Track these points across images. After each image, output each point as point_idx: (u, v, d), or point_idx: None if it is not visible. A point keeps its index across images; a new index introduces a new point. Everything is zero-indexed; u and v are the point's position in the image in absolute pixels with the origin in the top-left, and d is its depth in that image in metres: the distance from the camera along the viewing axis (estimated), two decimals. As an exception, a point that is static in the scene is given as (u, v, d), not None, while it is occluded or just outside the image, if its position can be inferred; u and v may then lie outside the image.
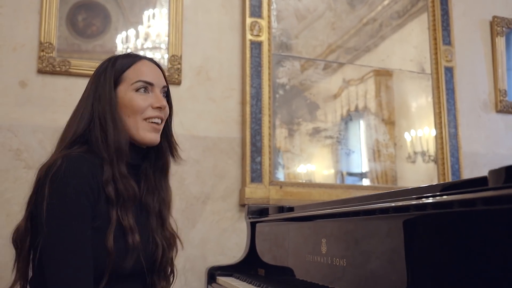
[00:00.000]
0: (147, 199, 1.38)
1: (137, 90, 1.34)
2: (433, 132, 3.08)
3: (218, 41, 2.79)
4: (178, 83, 2.65)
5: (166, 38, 2.69)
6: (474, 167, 3.10)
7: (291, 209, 1.86)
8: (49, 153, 1.33)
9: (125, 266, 1.23)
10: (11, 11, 2.49)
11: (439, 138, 3.06)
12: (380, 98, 3.05)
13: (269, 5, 2.84)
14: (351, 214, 1.32)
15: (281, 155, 2.81)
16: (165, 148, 1.42)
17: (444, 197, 0.96)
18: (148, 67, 1.37)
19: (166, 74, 1.46)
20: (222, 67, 2.77)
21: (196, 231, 2.58)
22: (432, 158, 3.06)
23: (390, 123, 3.06)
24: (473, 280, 0.89)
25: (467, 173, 3.06)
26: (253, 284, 1.70)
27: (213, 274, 2.07)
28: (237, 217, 2.64)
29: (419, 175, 3.05)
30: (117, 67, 1.35)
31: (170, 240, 1.41)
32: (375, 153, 2.99)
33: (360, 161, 2.98)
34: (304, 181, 2.81)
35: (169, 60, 2.65)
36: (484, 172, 0.87)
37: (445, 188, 1.01)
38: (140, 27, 2.69)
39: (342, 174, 2.95)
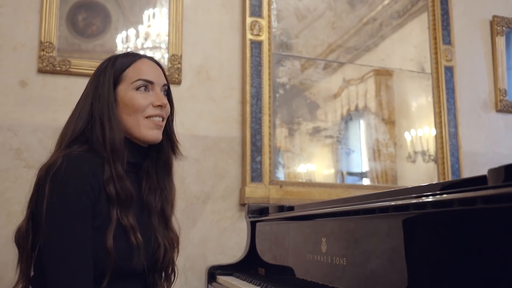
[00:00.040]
0: (149, 198, 1.38)
1: (137, 88, 1.34)
2: (433, 131, 3.09)
3: (218, 41, 2.79)
4: (178, 82, 2.65)
5: (166, 38, 2.69)
6: (474, 166, 3.10)
7: (291, 208, 1.86)
8: (49, 153, 1.33)
9: (125, 266, 1.23)
10: (11, 11, 2.49)
11: (439, 137, 3.06)
12: (380, 97, 3.05)
13: (269, 4, 2.84)
14: (351, 213, 1.32)
15: (281, 155, 2.81)
16: (166, 147, 1.42)
17: (444, 195, 0.97)
18: (148, 66, 1.37)
19: (166, 73, 1.46)
20: (222, 66, 2.78)
21: (196, 231, 2.58)
22: (432, 157, 3.06)
23: (390, 122, 3.06)
24: (472, 278, 0.89)
25: (467, 173, 3.06)
26: (253, 283, 1.70)
27: (213, 273, 2.07)
28: (237, 217, 2.64)
29: (419, 174, 3.05)
30: (117, 66, 1.35)
31: (173, 240, 1.41)
32: (375, 153, 2.99)
33: (360, 160, 2.98)
34: (304, 181, 2.81)
35: (169, 59, 2.66)
36: (484, 172, 0.88)
37: (444, 187, 1.02)
38: (140, 27, 2.70)
39: (342, 174, 2.95)
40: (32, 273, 1.27)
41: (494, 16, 3.35)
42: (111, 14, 2.65)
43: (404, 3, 3.18)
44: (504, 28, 3.35)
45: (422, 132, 3.09)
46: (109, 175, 1.24)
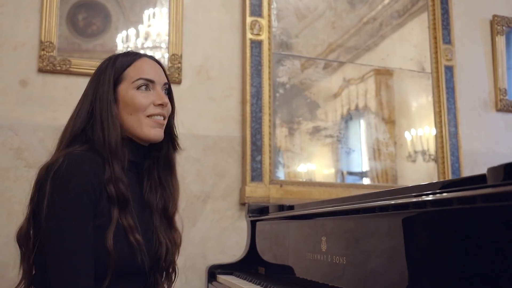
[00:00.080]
0: (150, 197, 1.38)
1: (138, 88, 1.33)
2: (433, 131, 3.09)
3: (218, 40, 2.79)
4: (179, 82, 2.65)
5: (167, 37, 2.70)
6: (474, 166, 3.10)
7: (291, 207, 1.86)
8: (49, 152, 1.33)
9: (126, 265, 1.23)
10: (12, 10, 2.49)
11: (439, 137, 3.07)
12: (380, 97, 3.05)
13: (269, 4, 2.84)
14: (351, 212, 1.32)
15: (282, 154, 2.81)
16: (167, 145, 1.42)
17: (444, 194, 0.97)
18: (148, 65, 1.37)
19: (167, 73, 1.46)
20: (223, 66, 2.78)
21: (197, 230, 2.58)
22: (432, 157, 3.07)
23: (390, 122, 3.06)
24: (472, 276, 0.89)
25: (467, 172, 3.06)
26: (253, 283, 1.70)
27: (213, 272, 2.07)
28: (238, 216, 2.65)
29: (419, 174, 3.05)
30: (117, 65, 1.35)
31: (175, 238, 1.41)
32: (376, 152, 2.99)
33: (361, 160, 2.98)
34: (304, 180, 2.81)
35: (170, 59, 2.66)
36: (484, 171, 0.88)
37: (444, 186, 1.02)
38: (140, 26, 2.70)
39: (342, 173, 2.95)
40: (34, 272, 1.27)
41: (494, 16, 3.35)
42: (111, 14, 2.66)
43: (404, 3, 3.18)
44: (504, 27, 3.35)
45: (422, 132, 3.09)
46: (109, 175, 1.24)
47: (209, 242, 2.60)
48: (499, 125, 3.28)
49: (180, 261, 1.43)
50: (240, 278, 1.88)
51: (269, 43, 2.81)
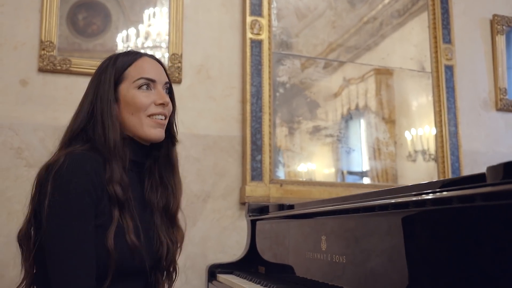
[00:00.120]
0: (151, 197, 1.38)
1: (139, 87, 1.33)
2: (433, 130, 3.09)
3: (218, 40, 2.79)
4: (179, 81, 2.65)
5: (167, 37, 2.70)
6: (474, 165, 3.10)
7: (291, 207, 1.86)
8: (50, 152, 1.33)
9: (127, 265, 1.23)
10: (12, 10, 2.50)
11: (439, 136, 3.07)
12: (381, 96, 3.05)
13: (269, 3, 2.85)
14: (351, 211, 1.33)
15: (282, 154, 2.81)
16: (168, 144, 1.42)
17: (444, 193, 0.97)
18: (149, 64, 1.37)
19: (167, 72, 1.46)
20: (223, 65, 2.78)
21: (197, 229, 2.59)
22: (432, 156, 3.07)
23: (390, 121, 3.06)
24: (471, 274, 0.90)
25: (467, 172, 3.06)
26: (253, 282, 1.70)
27: (213, 271, 2.07)
28: (238, 215, 2.65)
29: (419, 173, 3.05)
30: (118, 65, 1.35)
31: (177, 238, 1.41)
32: (376, 152, 2.99)
33: (361, 159, 2.98)
34: (304, 180, 2.82)
35: (170, 58, 2.66)
36: (484, 171, 0.88)
37: (444, 184, 1.02)
38: (140, 26, 2.70)
39: (342, 173, 2.95)
40: (35, 271, 1.27)
41: (494, 15, 3.36)
42: (111, 14, 2.66)
43: (405, 2, 3.18)
44: (504, 27, 3.35)
45: (422, 131, 3.09)
46: (110, 175, 1.24)
47: (209, 241, 2.60)
48: (499, 125, 3.28)
49: (181, 260, 1.43)
50: (240, 277, 1.88)
51: (269, 43, 2.81)
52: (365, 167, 2.98)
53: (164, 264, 1.37)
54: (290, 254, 1.73)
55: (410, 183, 2.86)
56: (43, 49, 2.48)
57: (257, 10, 2.81)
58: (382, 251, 1.18)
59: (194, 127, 2.66)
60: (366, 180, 2.98)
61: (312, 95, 2.92)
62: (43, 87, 2.48)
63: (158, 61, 1.41)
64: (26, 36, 2.49)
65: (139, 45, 2.68)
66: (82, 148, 1.25)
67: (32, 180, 1.26)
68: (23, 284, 1.27)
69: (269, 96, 2.75)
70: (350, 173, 2.98)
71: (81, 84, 2.33)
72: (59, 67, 2.49)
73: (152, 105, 1.33)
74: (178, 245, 1.41)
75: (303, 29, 2.96)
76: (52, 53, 2.49)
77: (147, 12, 2.71)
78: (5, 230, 2.27)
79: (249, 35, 2.78)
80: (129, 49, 2.62)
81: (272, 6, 2.87)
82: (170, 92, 1.42)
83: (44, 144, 2.40)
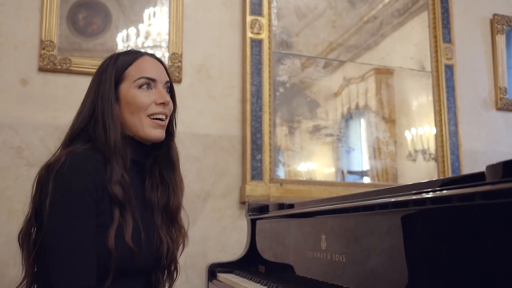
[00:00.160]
0: (151, 196, 1.37)
1: (139, 87, 1.32)
2: (433, 130, 3.09)
3: (218, 39, 2.80)
4: (179, 81, 2.66)
5: (167, 37, 2.70)
6: (474, 165, 3.10)
7: (291, 206, 1.86)
8: (50, 151, 1.33)
9: (127, 264, 1.23)
10: (12, 9, 2.50)
11: (439, 136, 3.07)
12: (381, 96, 3.06)
13: (269, 3, 2.85)
14: (351, 210, 1.33)
15: (282, 153, 2.81)
16: (168, 143, 1.41)
17: (443, 192, 0.97)
18: (150, 63, 1.36)
19: (168, 71, 1.45)
20: (223, 65, 2.78)
21: (197, 229, 2.59)
22: (432, 156, 3.07)
23: (390, 121, 3.07)
24: (471, 272, 0.90)
25: (467, 171, 3.07)
26: (253, 281, 1.71)
27: (213, 271, 2.08)
28: (238, 215, 2.65)
29: (419, 173, 3.05)
30: (118, 64, 1.34)
31: (178, 236, 1.40)
32: (376, 151, 2.99)
33: (361, 159, 2.98)
34: (304, 179, 2.82)
35: (170, 58, 2.66)
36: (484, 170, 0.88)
37: (443, 183, 1.02)
38: (140, 26, 2.70)
39: (342, 172, 2.95)
40: (35, 270, 1.27)
41: (494, 15, 3.36)
42: (111, 13, 2.66)
43: (405, 2, 3.19)
44: (504, 26, 3.35)
45: (422, 131, 3.09)
46: (111, 174, 1.24)
47: (209, 240, 2.60)
48: (499, 124, 3.28)
49: (181, 259, 1.43)
50: (240, 276, 1.89)
51: (269, 42, 2.81)
52: (365, 166, 2.98)
53: (164, 263, 1.37)
54: (290, 253, 1.73)
55: (410, 182, 2.87)
56: (43, 49, 2.48)
57: (257, 10, 2.81)
58: (382, 250, 1.18)
59: (194, 127, 2.66)
60: (366, 180, 2.98)
61: (312, 95, 2.92)
62: (43, 87, 2.48)
63: (159, 60, 1.40)
64: (26, 35, 2.49)
65: (139, 44, 2.68)
66: (83, 148, 1.25)
67: (32, 180, 1.26)
68: (24, 283, 1.27)
69: (269, 95, 2.75)
70: (350, 172, 2.99)
71: (81, 84, 2.33)
72: (59, 67, 2.49)
73: (153, 105, 1.33)
74: (180, 244, 1.41)
75: (303, 28, 2.96)
76: (52, 52, 2.49)
77: (147, 12, 2.72)
78: (5, 229, 2.28)
79: (249, 34, 2.78)
80: (129, 48, 2.63)
81: (272, 5, 2.87)
82: (171, 91, 1.42)
83: (44, 144, 2.40)
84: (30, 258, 1.25)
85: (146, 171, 1.39)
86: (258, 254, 2.04)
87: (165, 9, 2.72)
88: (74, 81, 2.51)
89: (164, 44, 2.71)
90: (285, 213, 1.83)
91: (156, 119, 1.33)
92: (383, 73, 3.09)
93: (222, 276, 1.98)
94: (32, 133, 2.42)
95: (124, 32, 2.67)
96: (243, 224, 2.32)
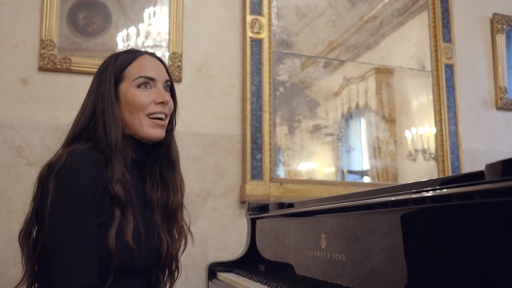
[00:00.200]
0: (152, 195, 1.37)
1: (139, 86, 1.32)
2: (433, 129, 3.09)
3: (218, 39, 2.80)
4: (179, 80, 2.66)
5: (167, 36, 2.70)
6: (474, 164, 3.10)
7: (291, 205, 1.86)
8: (50, 150, 1.33)
9: (128, 264, 1.23)
10: (12, 9, 2.50)
11: (439, 135, 3.07)
12: (381, 95, 3.06)
13: (269, 2, 2.85)
14: (350, 209, 1.33)
15: (282, 152, 2.81)
16: (169, 142, 1.41)
17: (443, 190, 0.97)
18: (149, 62, 1.36)
19: (169, 70, 1.45)
20: (223, 64, 2.78)
21: (197, 228, 2.59)
22: (432, 155, 3.07)
23: (390, 120, 3.07)
24: (470, 271, 0.90)
25: (467, 170, 3.03)
26: (253, 280, 1.71)
27: (213, 270, 2.08)
28: (238, 214, 2.65)
29: (420, 172, 3.05)
30: (118, 64, 1.34)
31: (179, 235, 1.40)
32: (376, 151, 2.99)
33: (361, 158, 2.98)
34: (304, 179, 2.82)
35: (170, 57, 2.66)
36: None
37: (443, 182, 1.02)
38: (140, 25, 2.70)
39: (342, 172, 2.95)
40: (36, 269, 1.28)
41: (494, 14, 3.36)
42: (111, 13, 2.66)
43: (405, 1, 3.19)
44: (504, 26, 3.35)
45: (422, 130, 3.09)
46: (112, 174, 1.24)
47: (209, 240, 2.60)
48: (499, 124, 3.28)
49: (181, 259, 1.43)
50: (241, 275, 1.89)
51: (269, 42, 2.81)
52: (365, 166, 2.98)
53: (164, 262, 1.37)
54: (290, 252, 1.73)
55: (410, 182, 2.87)
56: (44, 48, 2.48)
57: (257, 9, 2.81)
58: (381, 249, 1.18)
59: (194, 126, 2.66)
60: (366, 179, 2.98)
61: (312, 94, 2.92)
62: (44, 86, 2.48)
63: (159, 59, 1.40)
64: (26, 35, 2.50)
65: (139, 44, 2.68)
66: (84, 147, 1.25)
67: (33, 179, 1.27)
68: (24, 282, 1.27)
69: (269, 95, 2.76)
70: (350, 172, 2.99)
71: (82, 83, 2.34)
72: (59, 66, 2.49)
73: (152, 104, 1.32)
74: (181, 242, 1.41)
75: (303, 28, 2.96)
76: (52, 52, 2.49)
77: (147, 11, 2.72)
78: (5, 229, 2.28)
79: (249, 34, 2.78)
80: (129, 48, 2.63)
81: (272, 5, 2.87)
82: (171, 90, 1.41)
83: (45, 143, 2.40)
84: (30, 257, 1.25)
85: (147, 170, 1.39)
86: (258, 254, 2.04)
87: (165, 8, 2.72)
88: (74, 80, 2.51)
89: (164, 44, 2.71)
90: (285, 212, 1.84)
91: (155, 118, 1.33)
92: (383, 73, 3.10)
93: (222, 275, 1.98)
94: (32, 133, 2.42)
95: (124, 31, 2.68)
96: (243, 224, 2.32)
